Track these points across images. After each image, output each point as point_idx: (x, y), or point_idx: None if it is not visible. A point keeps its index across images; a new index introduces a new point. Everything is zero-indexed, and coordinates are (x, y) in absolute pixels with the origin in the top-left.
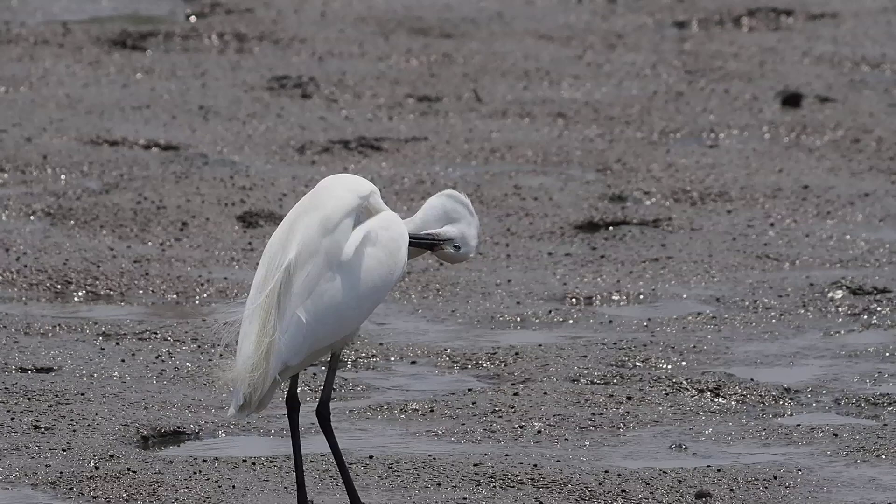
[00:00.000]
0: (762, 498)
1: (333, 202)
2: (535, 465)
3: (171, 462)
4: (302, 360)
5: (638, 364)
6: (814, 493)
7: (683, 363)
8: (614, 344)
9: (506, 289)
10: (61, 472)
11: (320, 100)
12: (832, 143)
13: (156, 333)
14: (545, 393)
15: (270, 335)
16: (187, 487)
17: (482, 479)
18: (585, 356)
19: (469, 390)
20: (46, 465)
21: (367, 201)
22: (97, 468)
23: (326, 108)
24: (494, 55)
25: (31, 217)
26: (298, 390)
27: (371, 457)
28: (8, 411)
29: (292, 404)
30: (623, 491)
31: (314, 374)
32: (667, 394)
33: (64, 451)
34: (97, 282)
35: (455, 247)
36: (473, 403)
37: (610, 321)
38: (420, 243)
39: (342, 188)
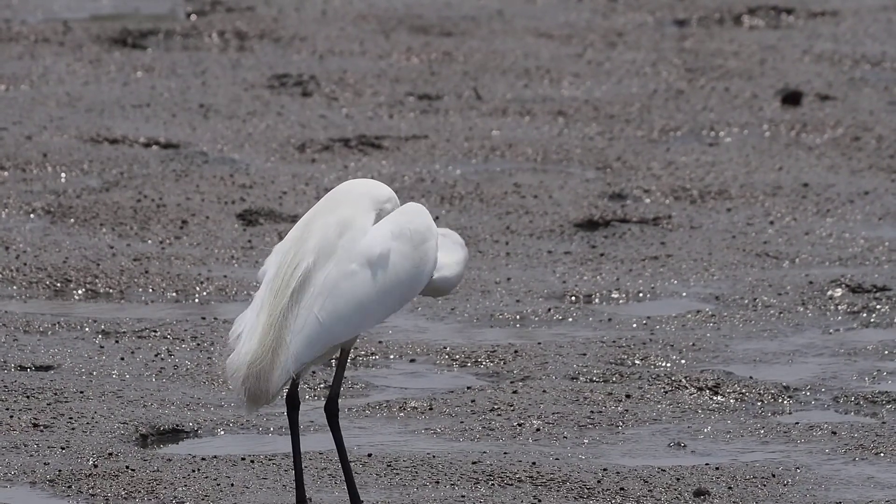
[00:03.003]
0: (761, 496)
1: (352, 205)
2: (534, 463)
3: (170, 460)
4: (315, 357)
5: (637, 362)
6: (812, 491)
7: (682, 361)
8: (613, 342)
9: (505, 287)
10: (60, 470)
11: (321, 98)
12: (832, 141)
13: (155, 331)
14: (544, 391)
15: (279, 332)
16: (186, 485)
17: (481, 477)
18: (584, 354)
19: (468, 388)
20: (45, 464)
21: (385, 207)
22: (96, 466)
23: (327, 106)
24: (495, 53)
25: (31, 215)
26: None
27: (370, 455)
28: (7, 409)
29: (293, 403)
30: (622, 489)
31: (313, 372)
32: (666, 392)
33: (63, 449)
34: (97, 280)
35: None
36: (472, 401)
37: (609, 319)
38: None
39: (361, 191)
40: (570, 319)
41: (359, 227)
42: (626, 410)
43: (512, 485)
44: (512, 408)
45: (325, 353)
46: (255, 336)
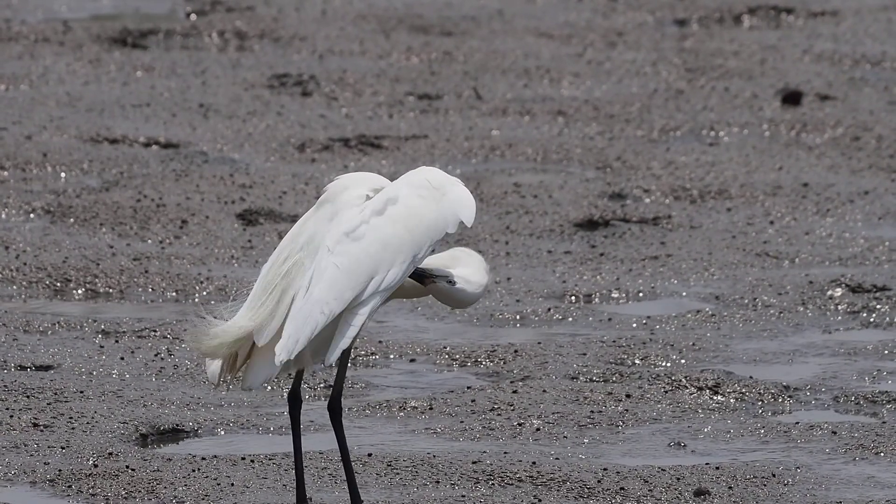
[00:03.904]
0: (761, 495)
1: (348, 193)
2: (534, 463)
3: (170, 460)
4: (345, 305)
5: (637, 362)
6: (812, 491)
7: (682, 361)
8: (613, 342)
9: (505, 286)
10: (60, 470)
11: (320, 98)
12: (832, 140)
13: (155, 331)
14: (544, 391)
15: (275, 307)
16: (186, 485)
17: (481, 476)
18: (584, 354)
19: (468, 388)
20: (45, 463)
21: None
22: (96, 466)
23: (327, 105)
24: (495, 53)
25: (31, 215)
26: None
27: (370, 454)
28: (7, 409)
29: (294, 401)
30: (622, 489)
31: (313, 372)
32: (666, 391)
33: (63, 448)
34: (97, 279)
35: (450, 282)
36: (472, 401)
37: (609, 319)
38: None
39: (356, 180)
40: (570, 319)
41: (354, 197)
42: (626, 410)
43: (512, 484)
44: (512, 407)
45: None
46: (240, 315)
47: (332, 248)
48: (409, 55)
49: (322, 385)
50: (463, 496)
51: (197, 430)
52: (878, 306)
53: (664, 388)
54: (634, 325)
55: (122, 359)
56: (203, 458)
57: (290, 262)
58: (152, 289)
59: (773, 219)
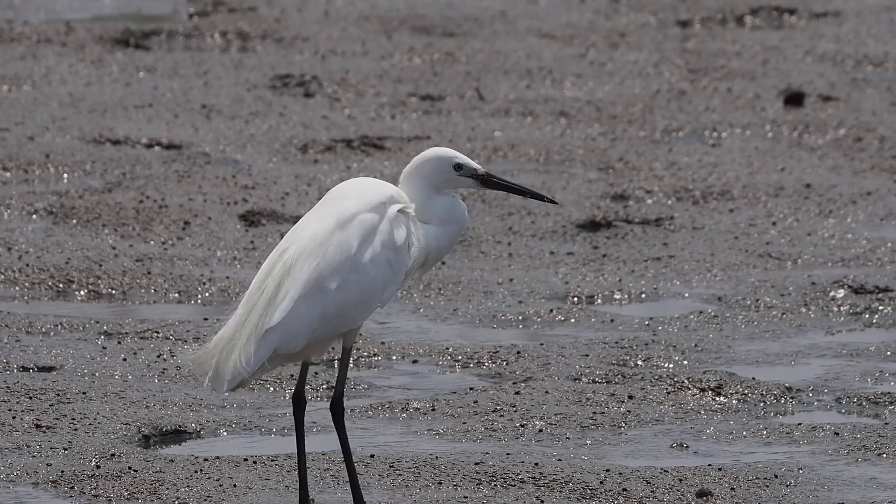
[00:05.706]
0: (763, 497)
1: (354, 197)
2: (537, 464)
3: (173, 461)
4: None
5: (639, 363)
6: (815, 492)
7: (685, 362)
8: (616, 343)
9: (508, 287)
10: (62, 471)
11: (323, 98)
12: (834, 141)
13: (157, 332)
14: (547, 392)
15: (257, 304)
16: (188, 486)
17: (483, 477)
18: (587, 355)
19: (470, 389)
20: (48, 464)
21: (389, 203)
22: (98, 467)
23: (329, 106)
24: (497, 54)
25: (34, 216)
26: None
27: (372, 455)
28: (9, 410)
29: (298, 403)
30: (624, 490)
31: (316, 373)
32: (668, 393)
33: (65, 449)
34: (99, 281)
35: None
36: (475, 402)
37: (612, 320)
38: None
39: (365, 186)
40: (573, 320)
41: (357, 220)
42: (629, 411)
43: (514, 485)
44: (514, 409)
45: (323, 328)
46: (231, 320)
47: (302, 267)
48: (412, 56)
49: (325, 386)
50: (465, 497)
51: (199, 432)
52: (881, 307)
53: (667, 389)
54: (637, 326)
55: (125, 360)
56: (206, 460)
57: (280, 266)
58: (155, 290)
59: (776, 220)
